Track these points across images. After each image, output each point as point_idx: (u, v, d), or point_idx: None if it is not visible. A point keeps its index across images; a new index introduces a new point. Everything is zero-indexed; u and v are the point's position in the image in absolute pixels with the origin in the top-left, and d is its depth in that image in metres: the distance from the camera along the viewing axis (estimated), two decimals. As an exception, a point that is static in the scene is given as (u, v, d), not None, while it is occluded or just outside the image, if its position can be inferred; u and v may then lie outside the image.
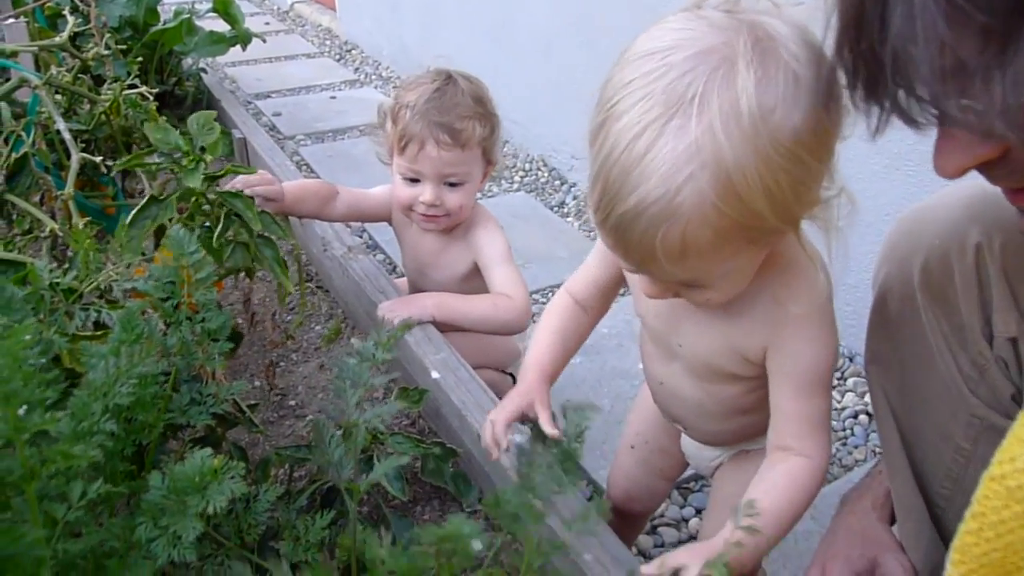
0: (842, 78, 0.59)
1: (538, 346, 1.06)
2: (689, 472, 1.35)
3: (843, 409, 1.73)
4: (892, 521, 1.02)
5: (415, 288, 1.62)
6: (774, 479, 0.88)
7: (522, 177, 2.81)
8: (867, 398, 1.73)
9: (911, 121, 0.54)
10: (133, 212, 1.14)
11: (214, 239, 1.16)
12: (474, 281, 1.50)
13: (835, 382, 1.79)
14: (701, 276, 0.77)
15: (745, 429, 1.04)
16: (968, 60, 0.48)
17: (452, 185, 1.38)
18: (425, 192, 1.37)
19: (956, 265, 0.84)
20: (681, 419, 1.10)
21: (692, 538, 1.46)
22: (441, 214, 1.40)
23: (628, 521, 1.34)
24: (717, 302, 0.83)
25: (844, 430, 1.68)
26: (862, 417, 1.70)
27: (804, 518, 1.45)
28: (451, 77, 1.40)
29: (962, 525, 0.55)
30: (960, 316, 0.85)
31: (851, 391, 1.78)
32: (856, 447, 1.63)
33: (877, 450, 1.61)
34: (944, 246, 0.85)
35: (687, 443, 1.17)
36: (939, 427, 0.90)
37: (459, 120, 1.33)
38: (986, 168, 0.58)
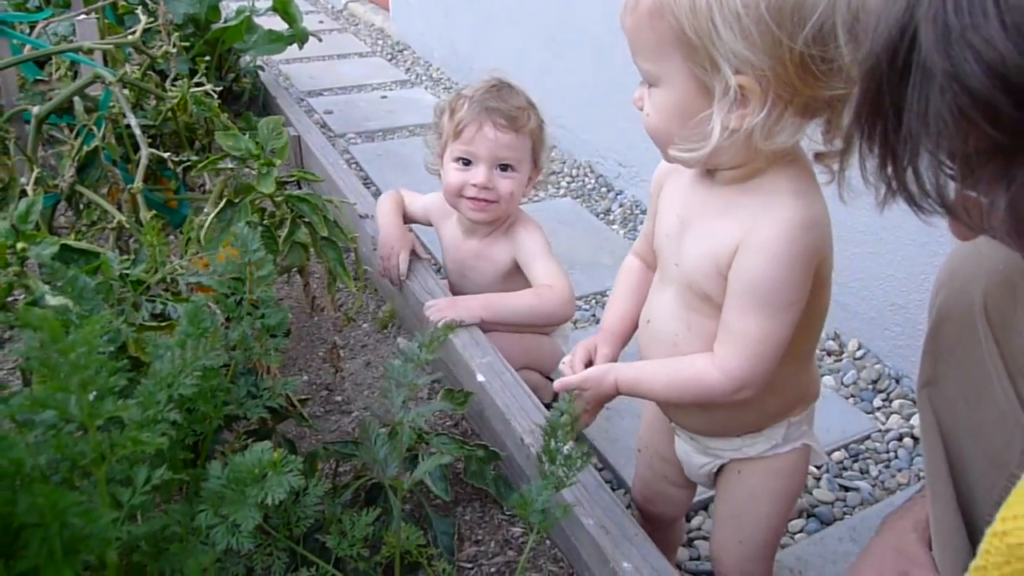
0: (857, 146, 0.60)
1: (608, 309, 1.16)
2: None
3: (887, 431, 1.71)
4: (931, 547, 1.00)
5: (456, 290, 1.67)
6: (681, 359, 0.97)
7: (568, 183, 2.82)
8: (913, 420, 1.70)
9: (916, 207, 0.56)
10: (212, 214, 1.18)
11: (281, 241, 1.20)
12: (514, 280, 1.53)
13: (880, 403, 1.77)
14: (643, 55, 0.86)
15: (732, 414, 1.04)
16: (976, 162, 0.49)
17: (504, 169, 1.45)
18: (478, 174, 1.44)
19: (1021, 291, 0.83)
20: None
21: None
22: (492, 199, 1.45)
23: (659, 528, 1.34)
24: (651, 124, 0.89)
25: (888, 452, 1.66)
26: (907, 440, 1.68)
27: (843, 539, 1.46)
28: (504, 80, 1.49)
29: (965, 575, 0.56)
30: (1022, 342, 0.84)
31: (896, 413, 1.75)
32: (900, 470, 1.61)
33: (921, 474, 1.58)
34: (1008, 272, 0.84)
35: (679, 446, 1.16)
36: (992, 454, 0.89)
37: (514, 108, 1.43)
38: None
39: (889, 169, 0.56)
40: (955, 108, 0.48)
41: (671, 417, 1.13)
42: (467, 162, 1.45)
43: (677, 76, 0.84)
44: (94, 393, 0.73)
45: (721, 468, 1.11)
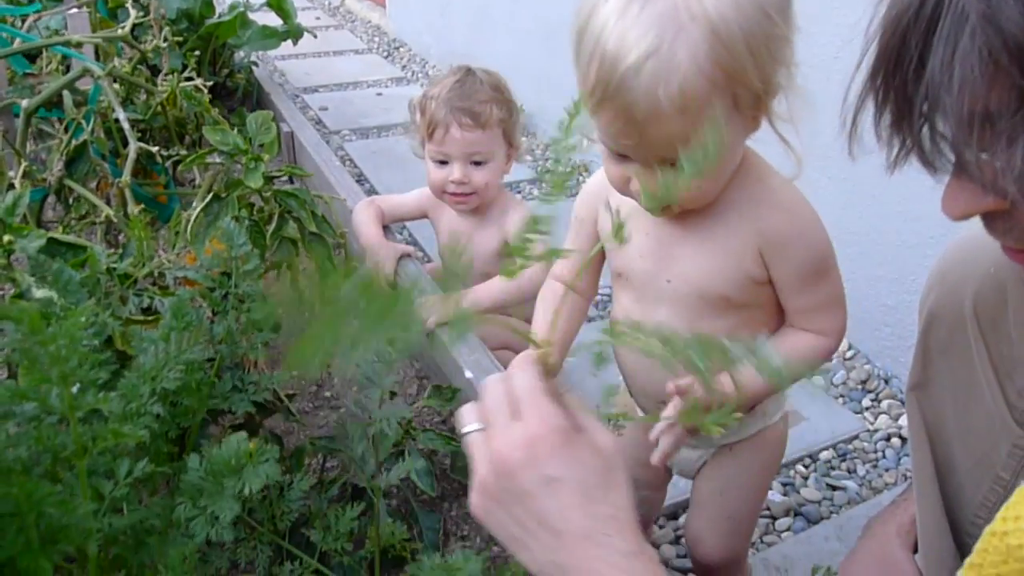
0: (871, 104, 0.60)
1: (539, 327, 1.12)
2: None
3: (876, 431, 1.71)
4: (915, 550, 1.01)
5: None
6: (777, 341, 0.95)
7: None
8: (901, 421, 1.71)
9: (928, 163, 0.55)
10: (198, 209, 1.18)
11: (268, 236, 1.20)
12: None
13: (869, 404, 1.77)
14: (674, 148, 0.80)
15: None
16: (998, 117, 0.48)
17: (477, 164, 1.52)
18: (454, 171, 1.52)
19: (1011, 294, 0.83)
20: (661, 392, 1.10)
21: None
22: (470, 192, 1.53)
23: None
24: (709, 187, 0.86)
25: (876, 452, 1.67)
26: (895, 440, 1.68)
27: (829, 537, 1.46)
28: (471, 70, 1.56)
29: (959, 571, 0.56)
30: (1012, 345, 0.84)
31: (885, 413, 1.76)
32: (887, 470, 1.61)
33: (908, 474, 1.59)
34: (1000, 275, 0.84)
35: None
36: (979, 456, 0.89)
37: (478, 104, 1.48)
38: (988, 219, 0.58)
39: (904, 124, 0.55)
40: (986, 53, 0.46)
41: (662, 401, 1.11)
42: (443, 162, 1.53)
43: (733, 134, 0.83)
44: (76, 386, 0.74)
45: (712, 454, 1.12)
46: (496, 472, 0.56)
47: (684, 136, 0.78)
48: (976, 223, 0.60)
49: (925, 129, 0.54)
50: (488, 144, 1.51)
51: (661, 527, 1.48)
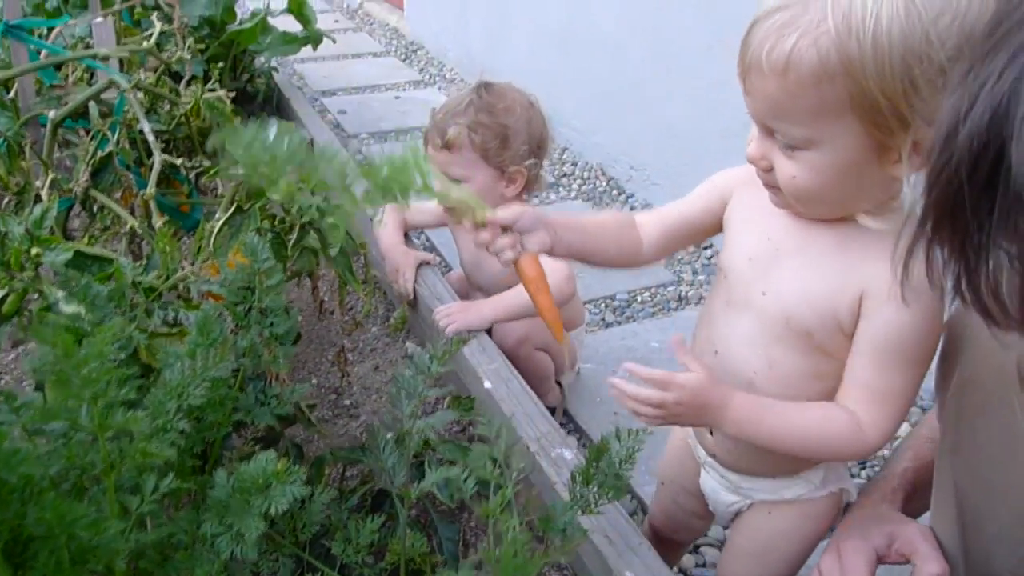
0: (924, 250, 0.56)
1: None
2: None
3: (896, 439, 1.70)
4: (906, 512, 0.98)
5: (471, 280, 1.72)
6: (813, 405, 0.88)
7: (580, 186, 2.82)
8: (900, 430, 1.69)
9: (992, 320, 0.52)
10: (221, 221, 1.20)
11: (290, 247, 1.21)
12: None
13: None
14: (794, 120, 0.78)
15: (782, 455, 0.99)
16: None
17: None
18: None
19: None
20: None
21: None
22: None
23: (671, 546, 1.34)
24: (802, 185, 0.81)
25: (873, 457, 1.65)
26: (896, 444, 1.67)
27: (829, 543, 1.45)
28: (479, 88, 1.52)
29: None
30: None
31: (904, 420, 1.74)
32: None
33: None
34: None
35: (706, 481, 1.13)
36: (1020, 511, 0.86)
37: (452, 126, 1.48)
38: None
39: (963, 281, 0.52)
40: None
41: (707, 447, 1.08)
42: None
43: (845, 137, 0.77)
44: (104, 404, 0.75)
45: (749, 505, 1.08)
46: None
47: (782, 105, 0.78)
48: None
49: (984, 286, 0.51)
50: (459, 166, 1.50)
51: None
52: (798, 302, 0.88)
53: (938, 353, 0.88)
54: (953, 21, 0.70)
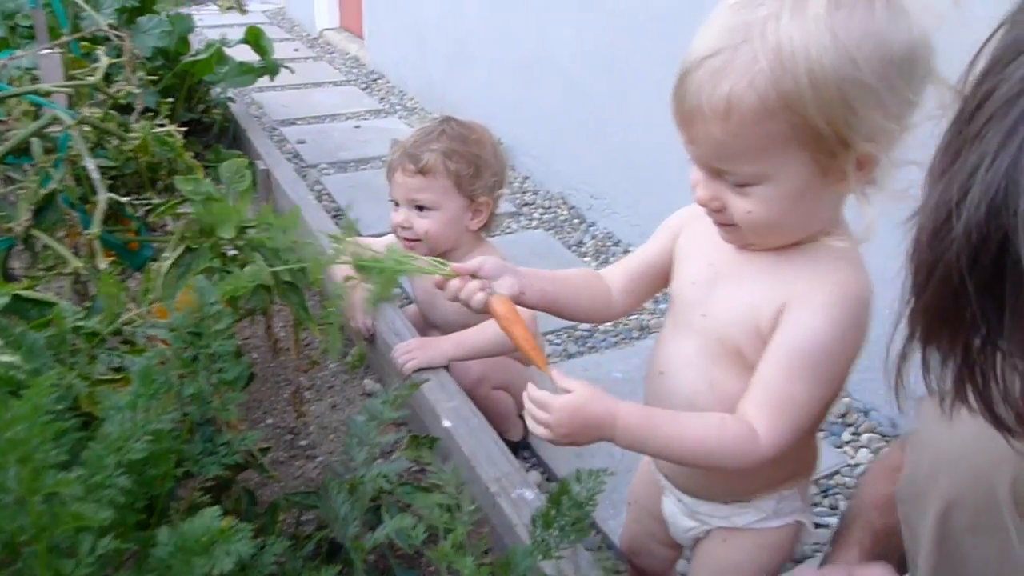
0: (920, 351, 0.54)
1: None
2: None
3: (857, 466, 1.71)
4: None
5: (427, 317, 1.69)
6: (710, 414, 0.88)
7: (541, 215, 2.82)
8: (882, 455, 1.70)
9: (1006, 430, 0.49)
10: (169, 261, 1.16)
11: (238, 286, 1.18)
12: None
13: (849, 437, 1.77)
14: (742, 159, 0.79)
15: (728, 477, 1.00)
16: None
17: (420, 209, 1.54)
18: (398, 215, 1.56)
19: None
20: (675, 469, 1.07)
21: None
22: (412, 237, 1.55)
23: None
24: (758, 219, 0.83)
25: (856, 488, 1.66)
26: (876, 476, 1.68)
27: None
28: (448, 120, 1.57)
29: None
30: None
31: (865, 447, 1.75)
32: (869, 507, 1.61)
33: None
34: None
35: (666, 505, 1.13)
36: None
37: (427, 152, 1.50)
38: None
39: (968, 386, 0.49)
40: None
41: (663, 470, 1.09)
42: (397, 204, 1.56)
43: (792, 167, 0.79)
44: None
45: (707, 532, 1.08)
46: None
47: (728, 147, 0.79)
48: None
49: (994, 389, 0.48)
50: (432, 192, 1.51)
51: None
52: (730, 321, 0.91)
53: (906, 471, 0.86)
54: (874, 45, 0.73)
